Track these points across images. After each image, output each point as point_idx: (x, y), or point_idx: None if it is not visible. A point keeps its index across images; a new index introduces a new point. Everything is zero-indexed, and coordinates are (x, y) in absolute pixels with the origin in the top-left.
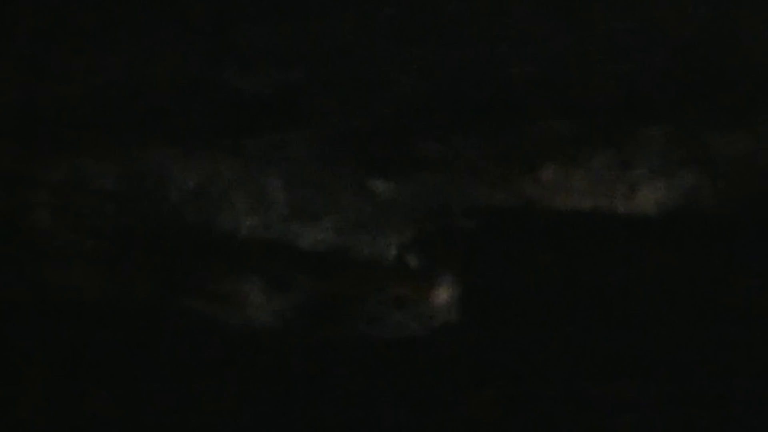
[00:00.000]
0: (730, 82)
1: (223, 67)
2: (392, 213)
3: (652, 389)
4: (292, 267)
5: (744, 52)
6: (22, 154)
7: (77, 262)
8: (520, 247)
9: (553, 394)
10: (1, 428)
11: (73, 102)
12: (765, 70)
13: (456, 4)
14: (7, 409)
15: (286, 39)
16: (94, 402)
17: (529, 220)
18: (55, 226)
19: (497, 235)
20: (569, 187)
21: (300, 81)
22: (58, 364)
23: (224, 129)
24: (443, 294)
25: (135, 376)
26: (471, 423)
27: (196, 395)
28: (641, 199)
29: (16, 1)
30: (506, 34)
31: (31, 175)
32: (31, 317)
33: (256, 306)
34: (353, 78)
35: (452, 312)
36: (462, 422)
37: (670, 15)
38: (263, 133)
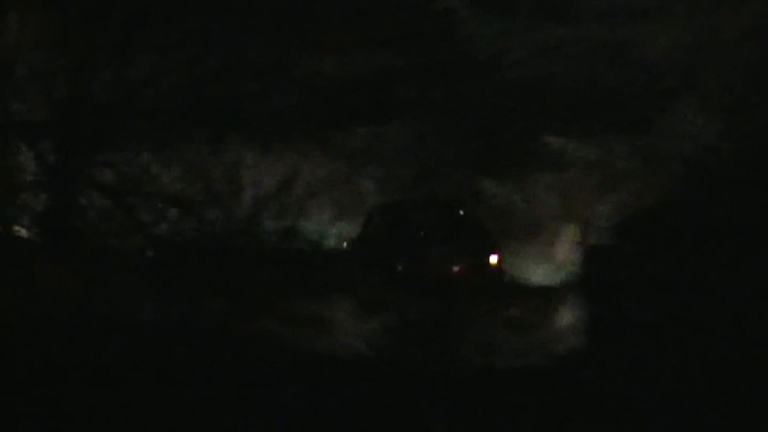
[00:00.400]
0: None
1: (305, 50)
2: (507, 221)
3: None
4: (387, 284)
5: None
6: (71, 151)
7: (133, 275)
8: (662, 262)
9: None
10: None
11: (130, 91)
12: None
13: None
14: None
15: (379, 15)
16: None
17: (672, 228)
18: (108, 233)
19: (633, 248)
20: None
21: (397, 65)
22: (105, 395)
23: (308, 121)
24: (568, 316)
25: (205, 413)
26: None
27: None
28: None
29: None
30: (641, 16)
31: (81, 174)
32: (79, 339)
33: (346, 330)
34: (461, 60)
35: (579, 338)
36: None
37: None
38: (354, 126)
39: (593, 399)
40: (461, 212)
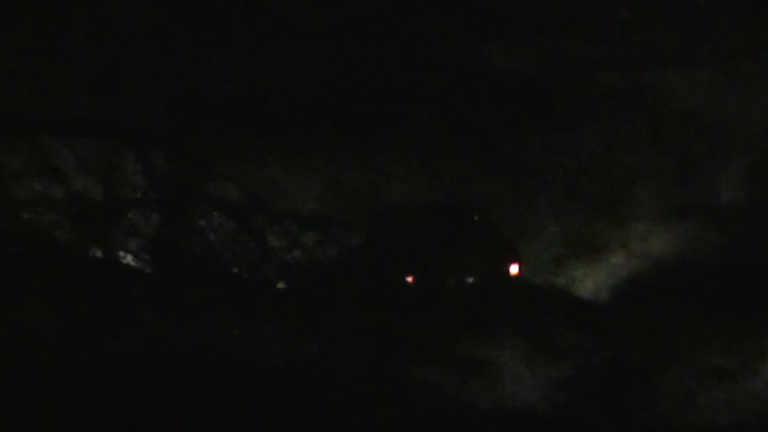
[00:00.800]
0: None
1: (466, 39)
2: (702, 246)
3: None
4: (566, 324)
5: None
6: (186, 161)
7: (261, 311)
8: None
9: None
10: None
11: (256, 91)
12: None
13: None
14: None
15: None
16: None
17: None
18: (230, 260)
19: None
20: None
21: (581, 56)
22: None
23: (470, 128)
24: None
25: None
26: None
27: None
28: None
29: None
30: None
31: (199, 189)
32: (199, 383)
33: (516, 378)
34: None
35: None
36: None
37: None
38: (528, 133)
39: None
40: (476, 218)
